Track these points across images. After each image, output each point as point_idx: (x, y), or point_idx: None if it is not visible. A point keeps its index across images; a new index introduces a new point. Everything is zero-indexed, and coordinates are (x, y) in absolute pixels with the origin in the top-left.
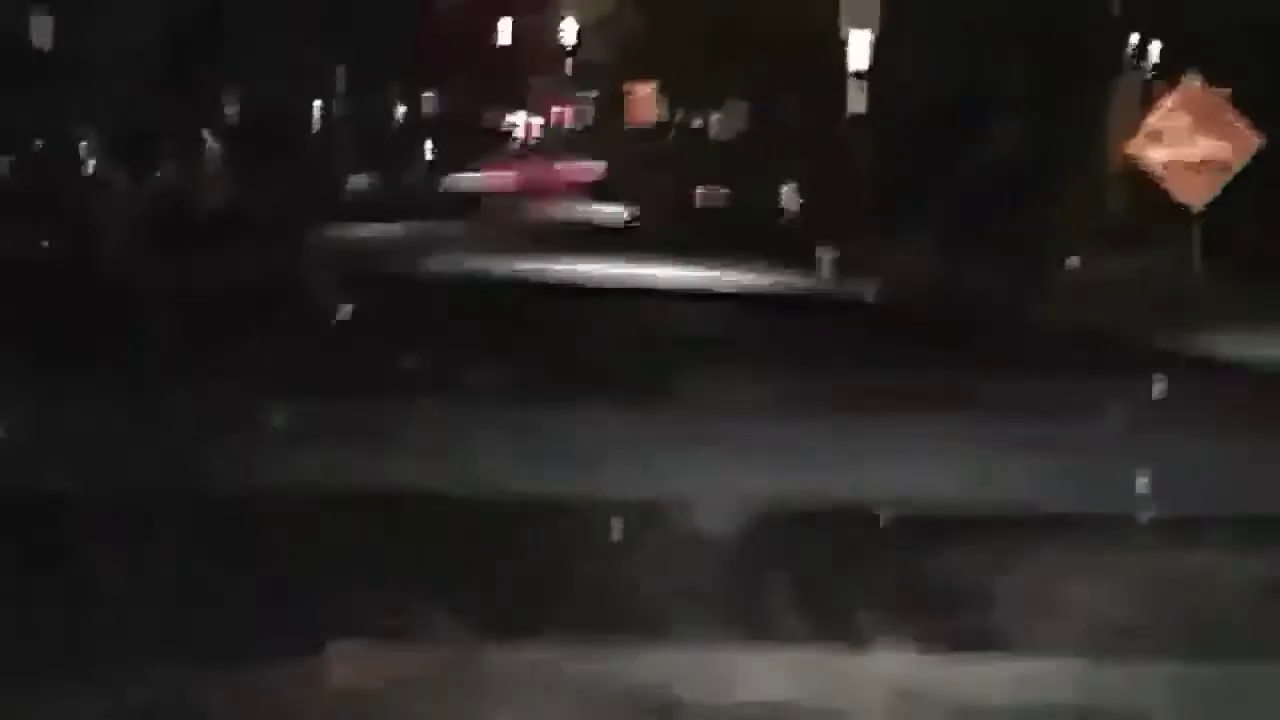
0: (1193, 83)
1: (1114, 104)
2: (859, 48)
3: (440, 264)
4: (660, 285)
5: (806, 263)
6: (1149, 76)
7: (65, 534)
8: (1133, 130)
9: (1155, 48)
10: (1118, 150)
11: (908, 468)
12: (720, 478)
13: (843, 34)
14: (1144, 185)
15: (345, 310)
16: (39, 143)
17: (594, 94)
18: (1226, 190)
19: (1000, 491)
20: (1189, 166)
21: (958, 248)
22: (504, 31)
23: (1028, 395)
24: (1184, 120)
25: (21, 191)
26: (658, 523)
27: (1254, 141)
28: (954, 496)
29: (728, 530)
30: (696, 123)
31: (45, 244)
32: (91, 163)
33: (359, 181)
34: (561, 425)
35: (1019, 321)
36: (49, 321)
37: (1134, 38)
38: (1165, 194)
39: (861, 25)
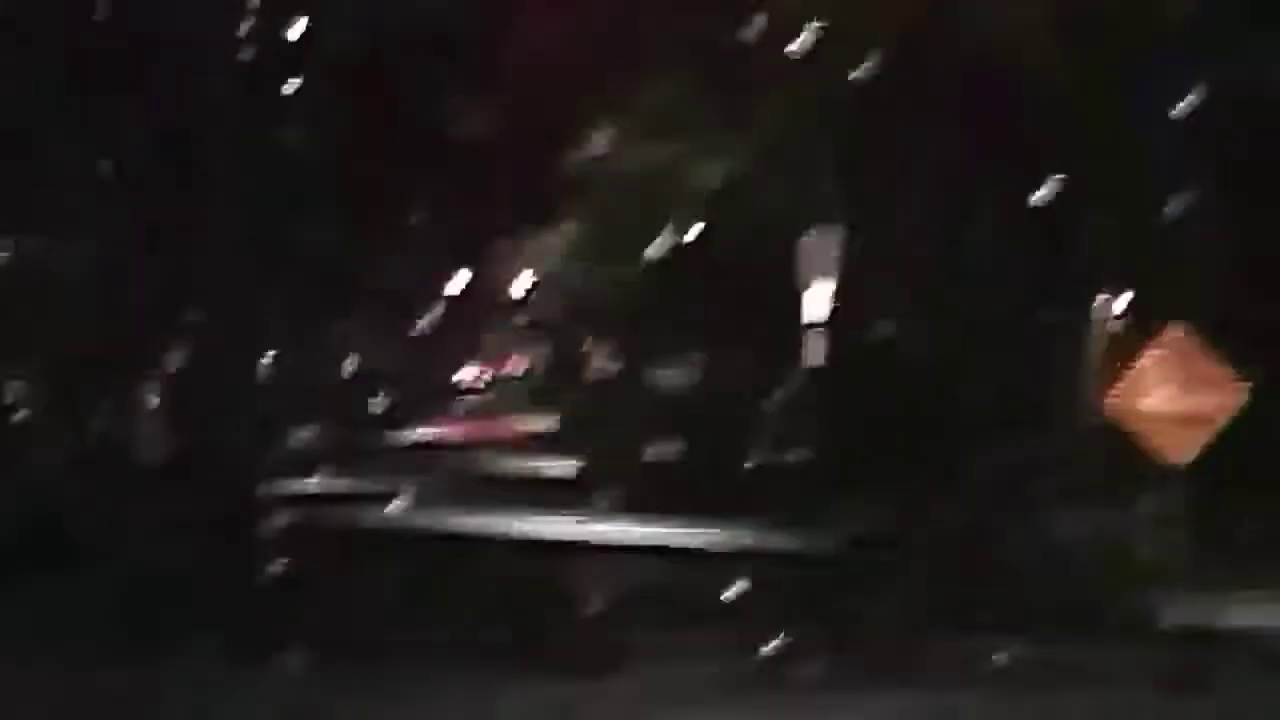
0: (1176, 332)
1: (1087, 355)
2: (817, 298)
3: (386, 519)
4: (610, 541)
5: (765, 517)
6: (1121, 326)
7: None
8: (1111, 381)
9: (1125, 297)
10: (1094, 403)
11: None
12: None
13: (800, 284)
14: (1124, 440)
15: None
16: None
17: (546, 348)
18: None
19: None
20: (1172, 421)
21: (923, 500)
22: (457, 283)
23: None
24: (1167, 371)
25: None
26: None
27: (1240, 394)
28: None
29: None
30: (649, 376)
31: None
32: (23, 411)
33: (304, 434)
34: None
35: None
36: None
37: (1104, 288)
38: (1146, 449)
39: (820, 275)
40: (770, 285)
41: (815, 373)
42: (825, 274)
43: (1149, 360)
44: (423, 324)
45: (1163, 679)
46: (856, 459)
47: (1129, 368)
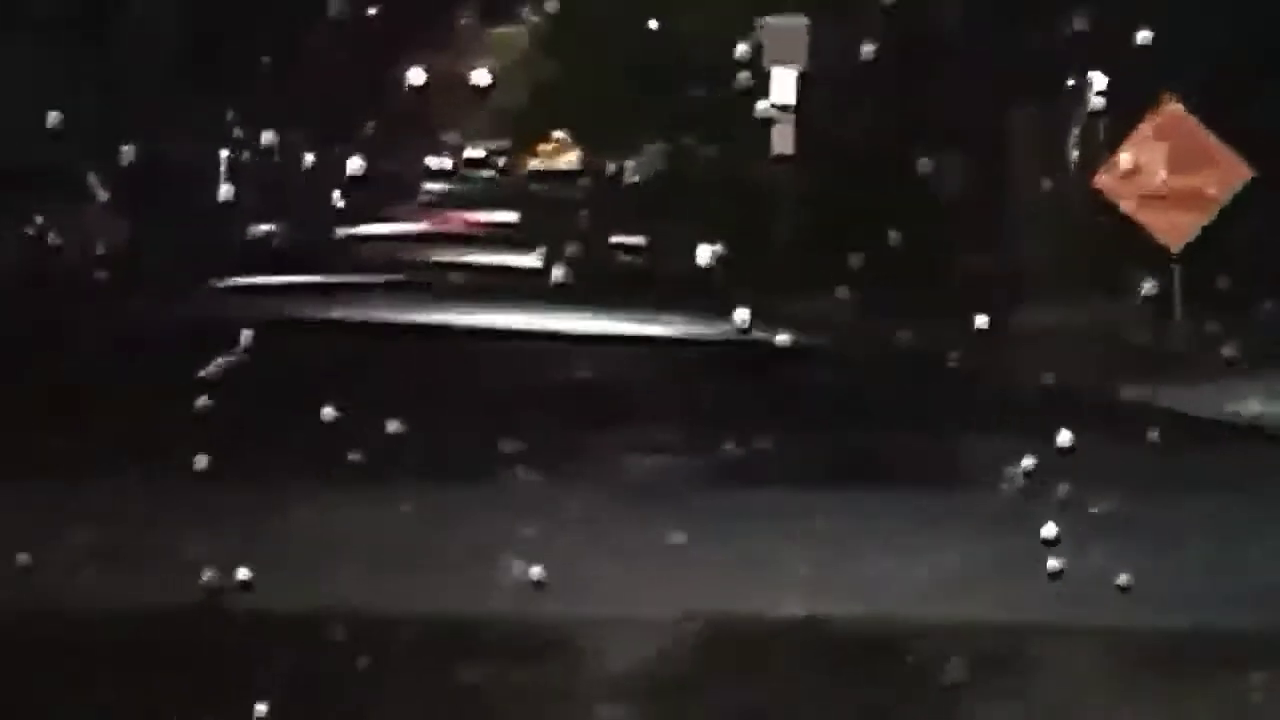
0: (1172, 107)
1: (1071, 134)
2: (783, 84)
3: (344, 312)
4: (572, 333)
5: (726, 312)
6: (1102, 106)
7: None
8: (1100, 161)
9: (1100, 76)
10: (1082, 184)
11: (864, 563)
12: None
13: (766, 69)
14: (1114, 223)
15: (221, 361)
16: None
17: (505, 141)
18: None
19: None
20: (1167, 201)
21: (896, 295)
22: (414, 77)
23: (979, 464)
24: (1161, 150)
25: None
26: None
27: (1243, 173)
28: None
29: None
30: (611, 168)
31: None
32: None
33: (260, 230)
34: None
35: (965, 379)
36: None
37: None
38: (1139, 233)
39: (786, 61)
40: (735, 72)
41: (781, 160)
42: (789, 60)
43: (1141, 137)
44: (379, 119)
45: (1173, 472)
46: (823, 252)
47: (1119, 147)
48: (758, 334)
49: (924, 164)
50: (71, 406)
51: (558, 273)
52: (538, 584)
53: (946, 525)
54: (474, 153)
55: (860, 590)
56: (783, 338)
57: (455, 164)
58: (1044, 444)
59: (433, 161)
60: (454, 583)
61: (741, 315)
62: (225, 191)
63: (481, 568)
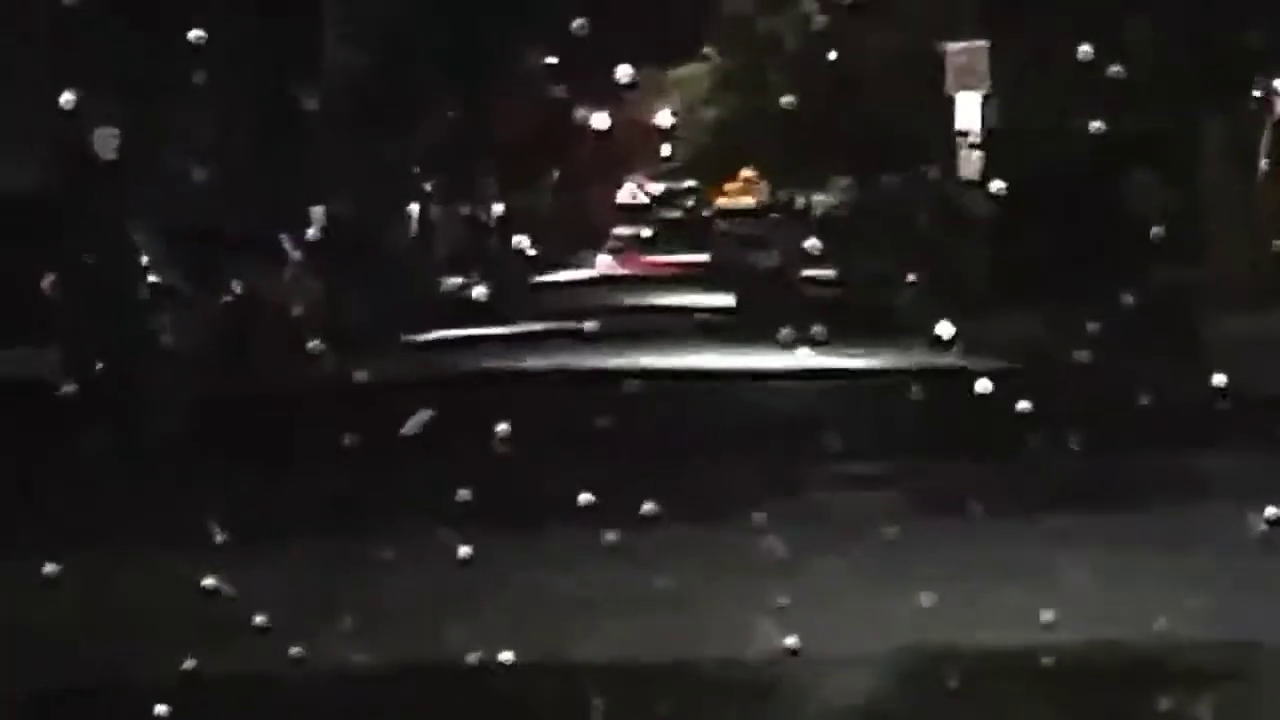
0: None
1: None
2: (968, 109)
3: (540, 361)
4: (769, 372)
5: (923, 341)
6: None
7: None
8: None
9: None
10: (1272, 191)
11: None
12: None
13: (949, 95)
14: None
15: (420, 418)
16: (90, 256)
17: (692, 181)
18: None
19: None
20: None
21: (1091, 313)
22: (598, 121)
23: (1207, 479)
24: None
25: (71, 308)
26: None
27: None
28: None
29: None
30: (800, 203)
31: (99, 366)
32: (152, 276)
33: (453, 283)
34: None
35: (1167, 390)
36: (100, 459)
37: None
38: None
39: (970, 85)
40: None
41: (969, 185)
42: (973, 85)
43: None
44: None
45: None
46: (1012, 276)
47: None
48: (957, 361)
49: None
50: (284, 465)
51: (748, 310)
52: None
53: (1182, 551)
54: (660, 194)
55: (1073, 617)
56: (982, 364)
57: (642, 206)
58: (1252, 458)
59: (620, 204)
60: (649, 628)
61: (944, 334)
62: (414, 245)
63: (686, 609)
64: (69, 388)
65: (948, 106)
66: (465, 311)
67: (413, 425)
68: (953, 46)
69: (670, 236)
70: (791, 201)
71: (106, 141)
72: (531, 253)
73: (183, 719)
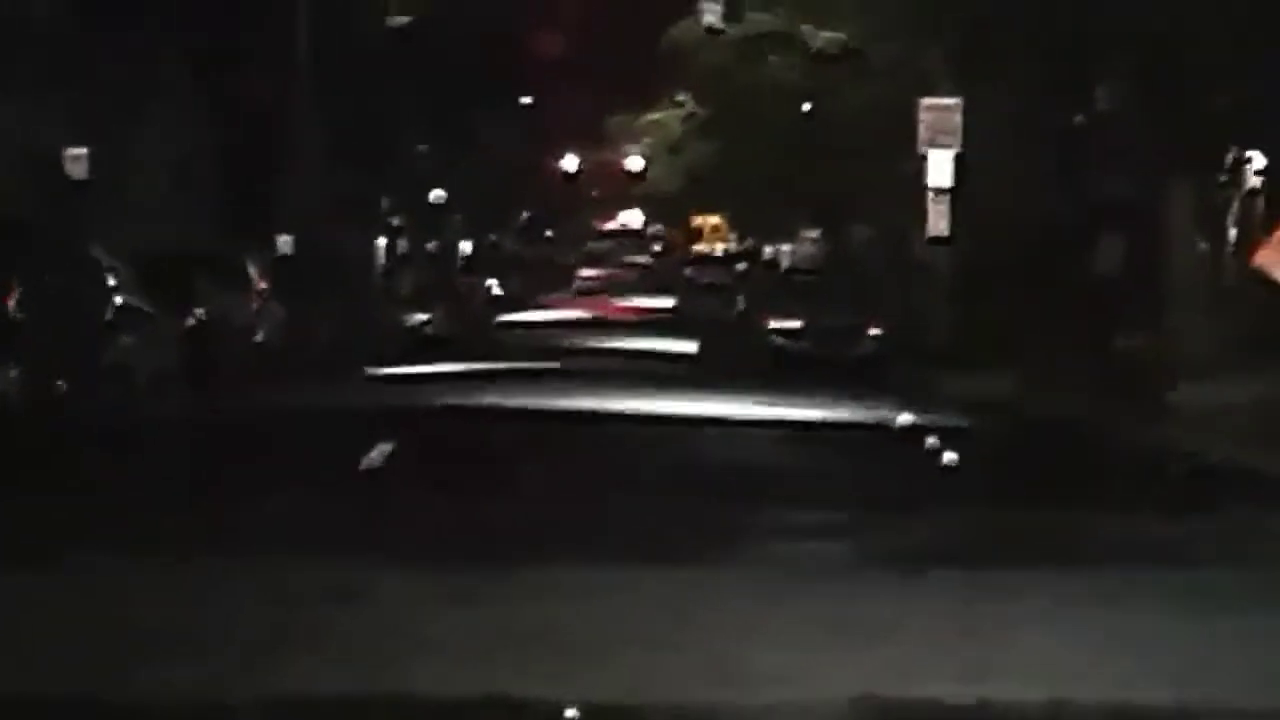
0: None
1: (1226, 212)
2: (940, 166)
3: (500, 399)
4: (729, 419)
5: (886, 395)
6: (1259, 184)
7: None
8: (1259, 239)
9: (1258, 155)
10: (1240, 261)
11: (1042, 649)
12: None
13: (921, 152)
14: (1274, 301)
15: (379, 452)
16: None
17: (660, 227)
18: None
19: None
20: None
21: (1054, 375)
22: (568, 164)
23: (1159, 541)
24: None
25: (34, 327)
26: None
27: None
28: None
29: None
30: (768, 252)
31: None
32: (119, 298)
33: (418, 318)
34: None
35: (1128, 455)
36: (59, 474)
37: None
38: None
39: (943, 143)
40: (889, 154)
41: (938, 242)
42: (944, 143)
43: None
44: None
45: None
46: (979, 333)
47: (1277, 224)
48: (918, 416)
49: (1083, 243)
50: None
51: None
52: (702, 669)
53: (1122, 605)
54: (628, 239)
55: (1028, 673)
56: (942, 419)
57: (610, 249)
58: (1215, 520)
59: (587, 247)
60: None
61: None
62: (381, 278)
63: (646, 653)
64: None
65: (919, 163)
66: (429, 347)
67: (373, 457)
68: (926, 102)
69: (636, 281)
70: (759, 251)
71: (75, 163)
72: (498, 292)
73: None
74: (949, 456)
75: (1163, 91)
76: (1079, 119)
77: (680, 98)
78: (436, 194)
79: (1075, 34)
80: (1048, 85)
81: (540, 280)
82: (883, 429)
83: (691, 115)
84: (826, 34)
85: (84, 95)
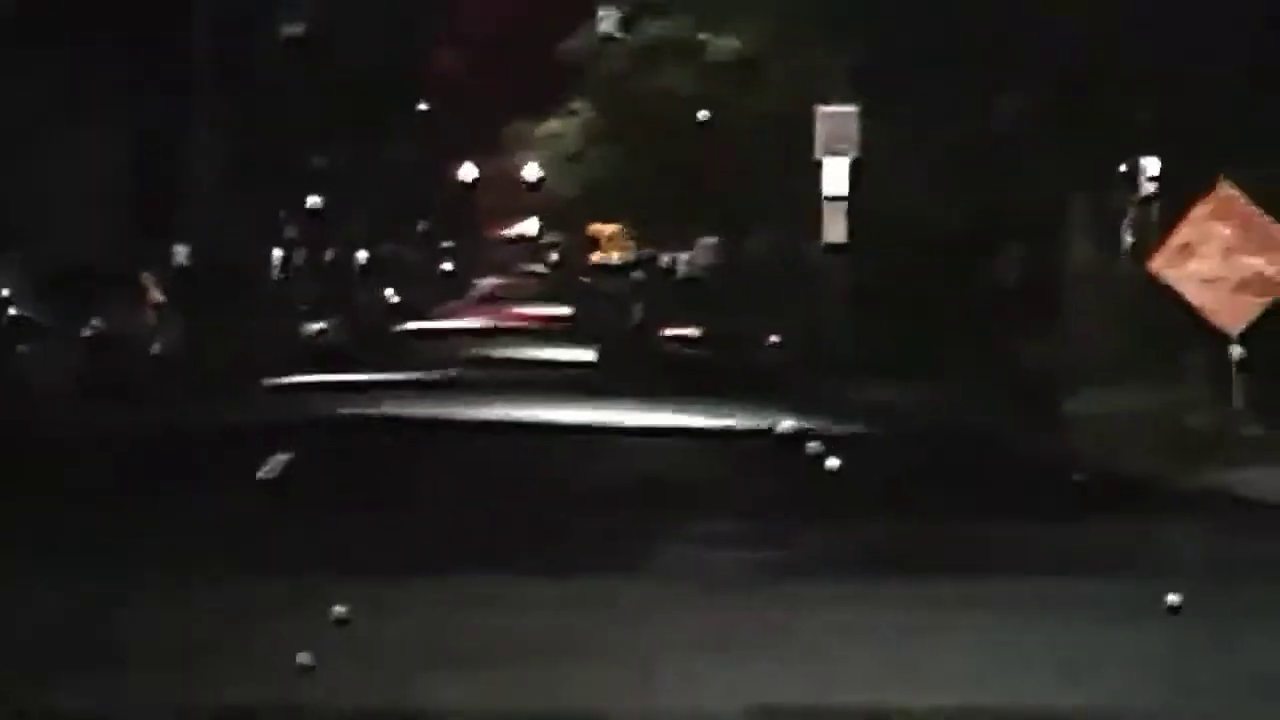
0: (1228, 191)
1: (1122, 220)
2: (835, 174)
3: (398, 409)
4: (625, 427)
5: (783, 402)
6: (1153, 192)
7: None
8: (1154, 246)
9: (1153, 162)
10: (1137, 269)
11: (935, 657)
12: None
13: (818, 159)
14: (1171, 308)
15: (276, 462)
16: None
17: (557, 235)
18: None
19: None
20: (1226, 285)
21: (953, 383)
22: (465, 173)
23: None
24: (1219, 232)
25: None
26: None
27: None
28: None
29: None
30: (665, 260)
31: None
32: (12, 310)
33: (314, 328)
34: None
35: (1025, 463)
36: None
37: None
38: (1196, 317)
39: (838, 150)
40: (787, 162)
41: (834, 249)
42: (841, 150)
43: (1196, 220)
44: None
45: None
46: (877, 341)
47: (1173, 230)
48: (812, 424)
49: (980, 252)
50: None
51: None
52: (598, 679)
53: (1017, 614)
54: (526, 247)
55: (924, 681)
56: (839, 427)
57: (507, 258)
58: (1106, 530)
59: (485, 256)
60: (511, 679)
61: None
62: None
63: (544, 663)
64: None
65: (815, 170)
66: (326, 356)
67: (270, 468)
68: (822, 110)
69: (534, 290)
70: (656, 259)
71: None
72: (395, 301)
73: None
74: (831, 463)
75: (1060, 101)
76: (977, 127)
77: (577, 106)
78: (332, 203)
79: (974, 43)
80: (946, 94)
81: (438, 289)
82: (780, 437)
83: (589, 124)
84: (723, 42)
85: None
